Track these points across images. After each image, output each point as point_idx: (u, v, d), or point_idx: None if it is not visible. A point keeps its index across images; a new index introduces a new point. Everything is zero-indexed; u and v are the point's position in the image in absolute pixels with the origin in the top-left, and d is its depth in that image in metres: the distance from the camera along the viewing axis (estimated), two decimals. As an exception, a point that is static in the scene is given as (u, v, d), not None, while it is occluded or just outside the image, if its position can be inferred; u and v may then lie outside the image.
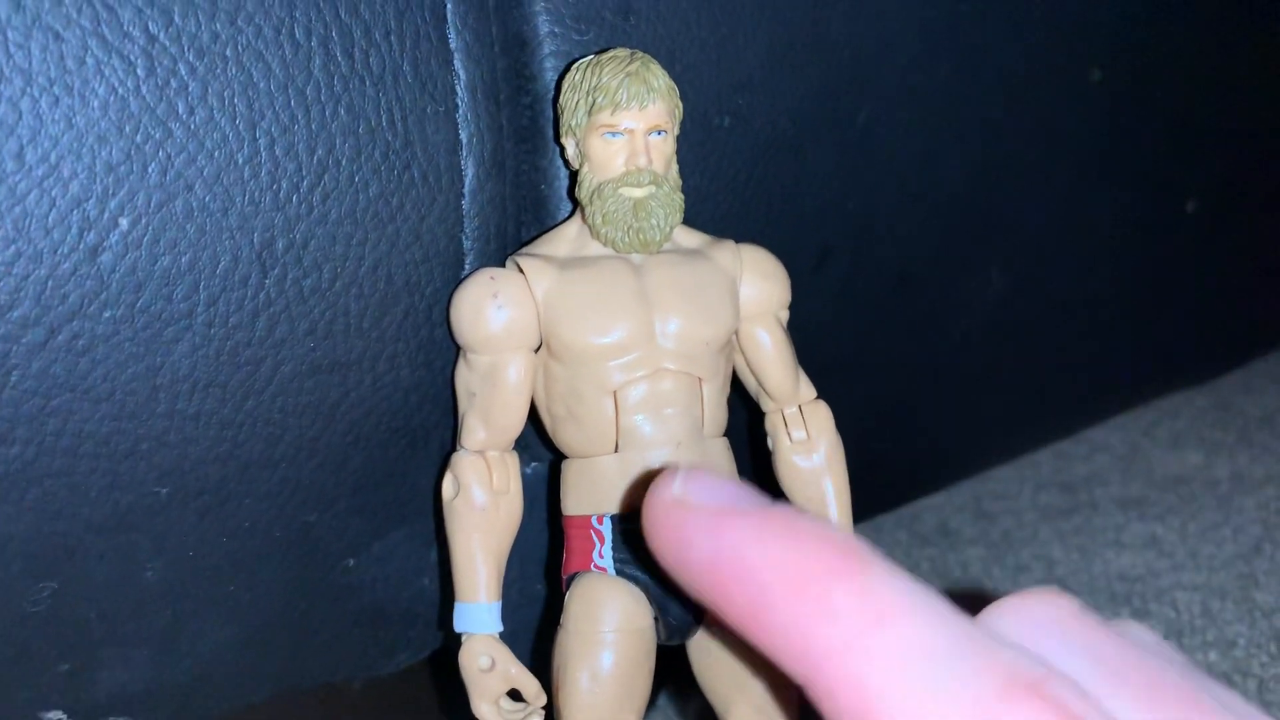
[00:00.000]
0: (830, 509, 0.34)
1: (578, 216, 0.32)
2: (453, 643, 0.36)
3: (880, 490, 0.50)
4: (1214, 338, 0.66)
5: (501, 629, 0.31)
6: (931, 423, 0.50)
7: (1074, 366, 0.56)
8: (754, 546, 0.19)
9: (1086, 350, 0.56)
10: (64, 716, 0.31)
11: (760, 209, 0.38)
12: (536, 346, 0.31)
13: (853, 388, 0.36)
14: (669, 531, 0.20)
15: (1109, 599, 0.59)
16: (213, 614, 0.32)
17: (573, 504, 0.32)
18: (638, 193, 0.30)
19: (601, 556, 0.31)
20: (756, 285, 0.33)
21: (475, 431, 0.31)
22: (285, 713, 0.41)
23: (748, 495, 0.21)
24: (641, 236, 0.31)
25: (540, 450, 0.35)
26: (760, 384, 0.34)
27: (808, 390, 0.34)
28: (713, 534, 0.20)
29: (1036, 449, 0.67)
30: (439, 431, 0.34)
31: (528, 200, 0.34)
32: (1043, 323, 0.53)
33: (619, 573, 0.31)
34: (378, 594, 0.35)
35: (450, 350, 0.33)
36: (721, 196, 0.36)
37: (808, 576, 0.18)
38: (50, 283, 0.26)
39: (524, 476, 0.33)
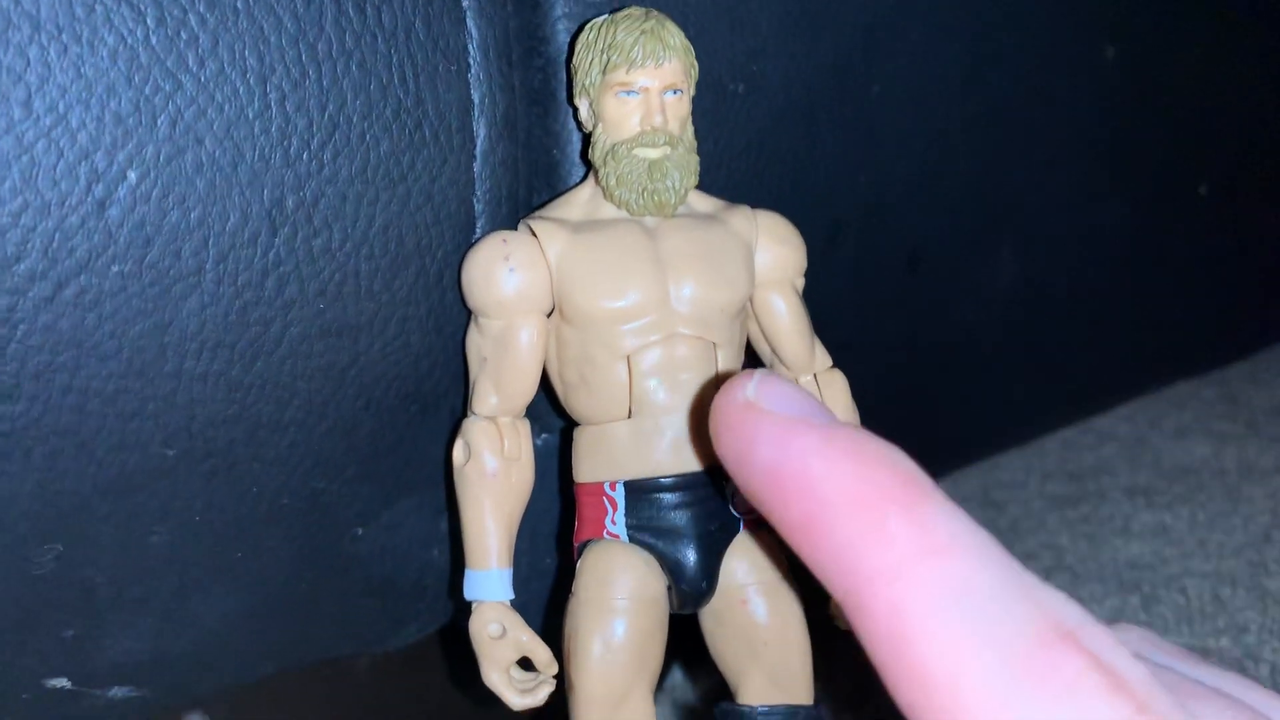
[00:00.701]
0: None
1: (590, 179, 0.32)
2: (462, 615, 0.36)
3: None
4: (1223, 326, 0.65)
5: (513, 596, 0.30)
6: (939, 406, 0.50)
7: (1082, 352, 0.56)
8: (819, 460, 0.19)
9: (1095, 336, 0.56)
10: (68, 683, 0.31)
11: (772, 179, 0.37)
12: (549, 311, 0.31)
13: (860, 368, 0.35)
14: (736, 432, 0.21)
15: (1118, 586, 0.58)
16: (219, 582, 0.32)
17: (585, 471, 0.31)
18: (653, 153, 0.30)
19: (614, 523, 0.31)
20: (772, 251, 0.32)
21: (487, 397, 0.31)
22: (291, 693, 0.41)
23: (819, 409, 0.21)
24: (656, 198, 0.30)
25: (550, 421, 0.35)
26: (775, 351, 0.33)
27: (823, 359, 0.34)
28: (779, 441, 0.20)
29: (1043, 436, 0.66)
30: (449, 398, 0.33)
31: (539, 164, 0.33)
32: (1052, 306, 0.52)
33: (632, 540, 0.31)
34: (386, 565, 0.35)
35: (461, 316, 0.32)
36: (734, 165, 0.36)
37: (868, 498, 0.19)
38: (58, 235, 0.26)
39: (534, 448, 0.32)
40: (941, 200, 0.44)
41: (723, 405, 0.21)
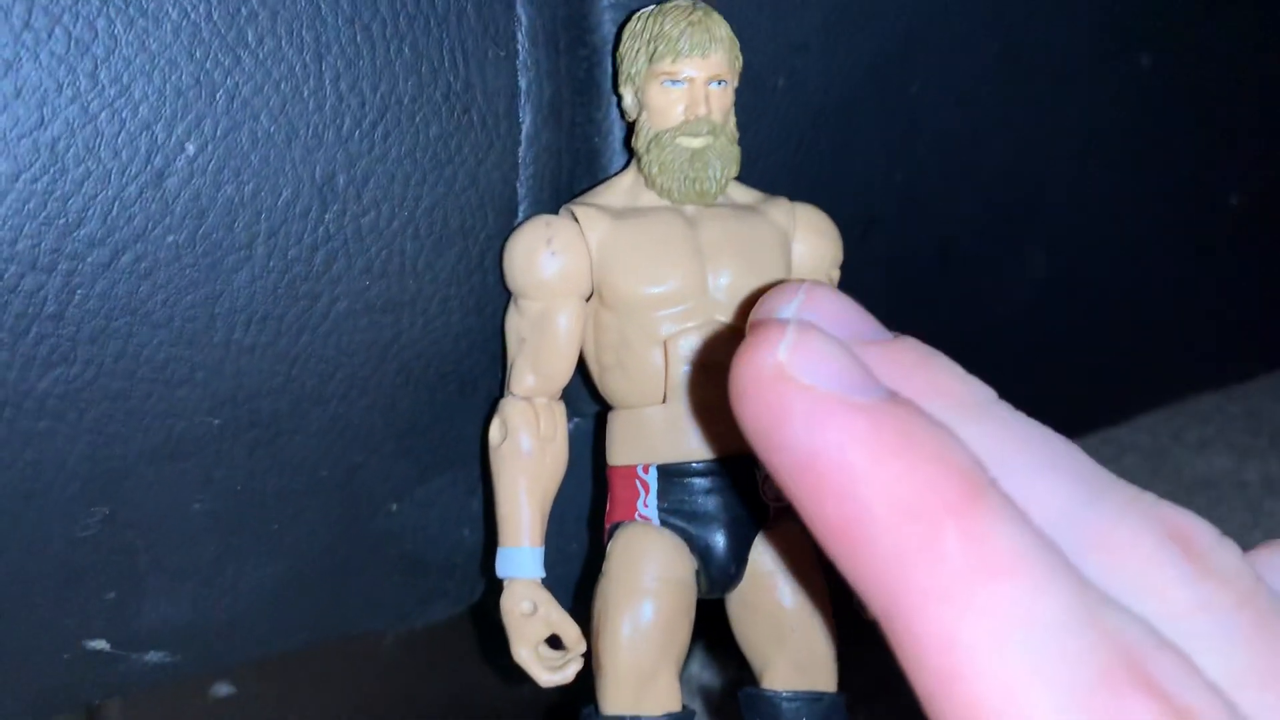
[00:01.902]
0: None
1: (633, 167, 0.32)
2: (491, 594, 0.36)
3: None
4: (1248, 340, 0.65)
5: (544, 575, 0.31)
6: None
7: (1106, 359, 0.56)
8: (863, 454, 0.16)
9: (1119, 343, 0.56)
10: (106, 645, 0.31)
11: (809, 173, 0.38)
12: (588, 295, 0.31)
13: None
14: (762, 406, 0.17)
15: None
16: (256, 551, 0.32)
17: (618, 454, 0.32)
18: (695, 142, 0.31)
19: (646, 506, 0.31)
20: (810, 243, 0.33)
21: (524, 378, 0.31)
22: (316, 670, 0.42)
23: (868, 381, 0.17)
24: (698, 186, 0.31)
25: (582, 406, 0.36)
26: None
27: None
28: (816, 426, 0.16)
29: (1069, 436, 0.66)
30: (487, 379, 0.34)
31: (582, 152, 0.34)
32: (1078, 310, 0.52)
33: (663, 523, 0.31)
34: (418, 542, 0.35)
35: (501, 298, 0.33)
36: (772, 159, 0.36)
37: (921, 505, 0.16)
38: (117, 204, 0.26)
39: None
40: (974, 199, 0.44)
41: (744, 368, 0.17)
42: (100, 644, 0.31)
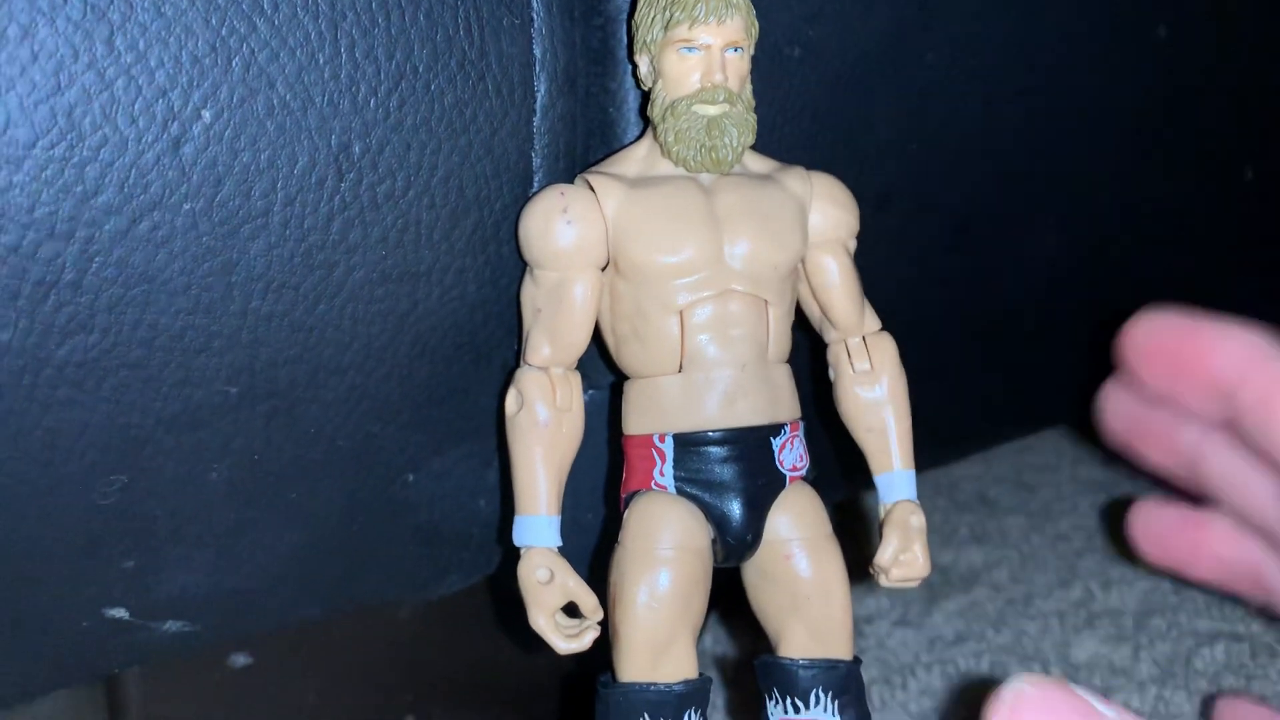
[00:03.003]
0: (891, 441, 0.33)
1: (648, 136, 0.32)
2: (507, 568, 0.36)
3: (920, 445, 0.50)
4: (1263, 312, 0.65)
5: (560, 543, 0.31)
6: (977, 379, 0.50)
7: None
8: None
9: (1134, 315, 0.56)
10: (126, 614, 0.31)
11: (825, 144, 0.38)
12: (604, 265, 0.31)
13: (902, 336, 0.36)
14: None
15: (1151, 570, 0.58)
16: (273, 521, 0.32)
17: (635, 423, 0.32)
18: (712, 110, 0.30)
19: (662, 475, 0.31)
20: (825, 212, 0.33)
21: (540, 348, 0.31)
22: (332, 641, 0.42)
23: None
24: (714, 155, 0.31)
25: (596, 379, 0.36)
26: (825, 313, 0.34)
27: (872, 321, 0.34)
28: None
29: (1082, 418, 0.66)
30: (502, 350, 0.34)
31: (596, 121, 0.34)
32: (1094, 282, 0.52)
33: (679, 491, 0.31)
34: (434, 512, 0.35)
35: (516, 269, 0.33)
36: (788, 129, 0.36)
37: None
38: (134, 171, 0.26)
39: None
40: (990, 171, 0.44)
41: None
42: (120, 612, 0.31)
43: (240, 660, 0.39)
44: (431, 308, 0.32)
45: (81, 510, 0.29)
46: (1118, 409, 0.34)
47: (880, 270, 0.39)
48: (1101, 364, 0.56)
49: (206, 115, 0.27)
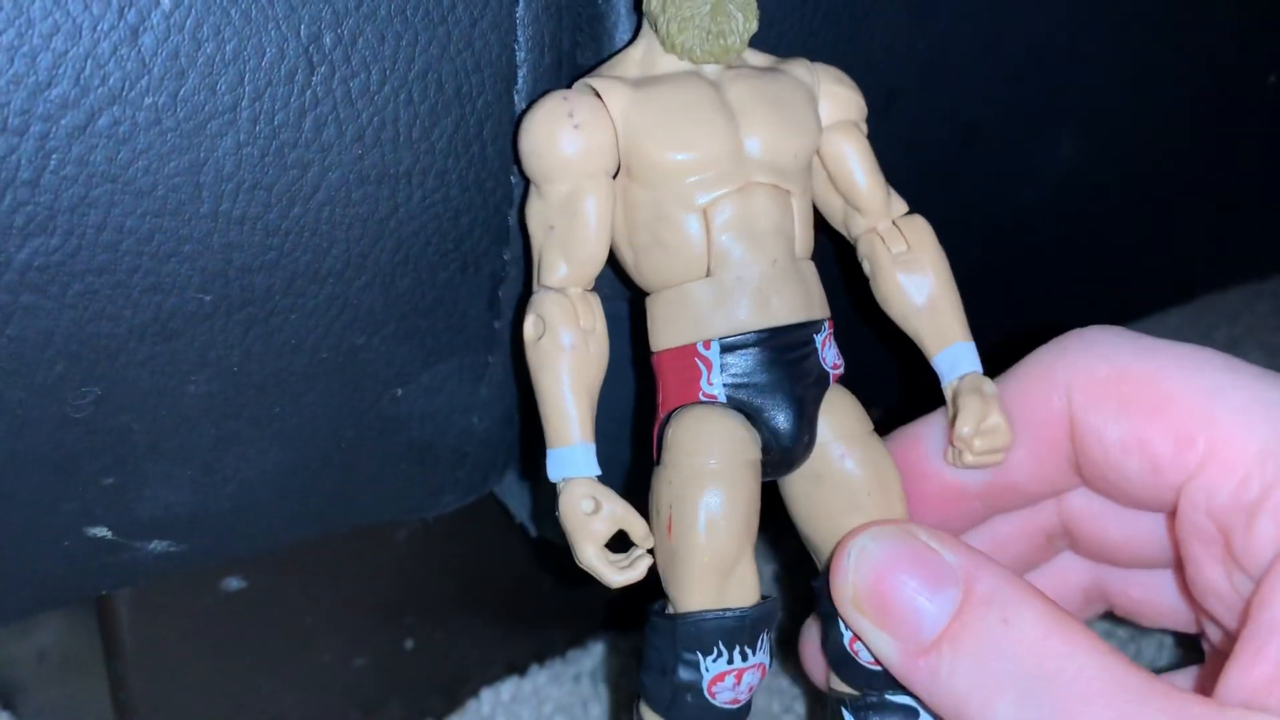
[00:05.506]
0: (946, 313, 0.32)
1: (643, 36, 0.30)
2: (496, 480, 0.35)
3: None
4: (1284, 227, 0.63)
5: (599, 472, 0.29)
6: (985, 291, 0.48)
7: (1137, 247, 0.54)
8: None
9: (1147, 231, 0.54)
10: (108, 533, 0.31)
11: (827, 41, 0.36)
12: (615, 172, 0.30)
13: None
14: None
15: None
16: (257, 436, 0.31)
17: (669, 336, 0.30)
18: None
19: (711, 384, 0.29)
20: (834, 93, 0.31)
21: (556, 268, 0.29)
22: (328, 564, 0.41)
23: None
24: (722, 41, 0.29)
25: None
26: (849, 201, 0.32)
27: (899, 204, 0.33)
28: None
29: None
30: (489, 259, 0.32)
31: (584, 15, 0.32)
32: (1108, 194, 0.50)
33: (730, 400, 0.30)
34: (426, 429, 0.34)
35: (502, 171, 0.31)
36: (788, 22, 0.34)
37: None
38: (90, 61, 0.25)
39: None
40: (1001, 74, 0.42)
41: None
42: (102, 531, 0.31)
43: (234, 584, 0.38)
44: (413, 212, 0.30)
45: (54, 424, 0.28)
46: None
47: (886, 174, 0.38)
48: (1113, 273, 0.54)
49: (165, 2, 0.25)
